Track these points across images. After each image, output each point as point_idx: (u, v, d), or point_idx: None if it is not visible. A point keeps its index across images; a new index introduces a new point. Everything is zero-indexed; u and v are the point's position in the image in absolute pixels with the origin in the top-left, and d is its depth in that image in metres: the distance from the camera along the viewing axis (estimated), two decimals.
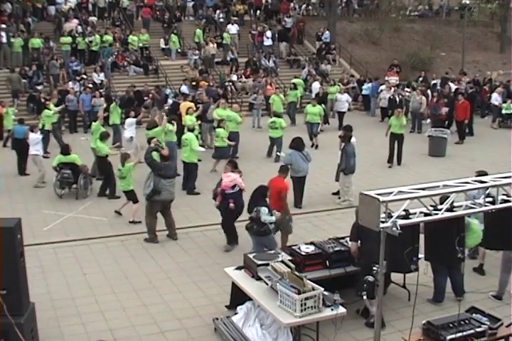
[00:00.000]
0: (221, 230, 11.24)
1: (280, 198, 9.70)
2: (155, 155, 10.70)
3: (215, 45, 25.51)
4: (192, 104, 17.24)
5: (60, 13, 26.64)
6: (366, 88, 23.29)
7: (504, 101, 20.92)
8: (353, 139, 12.76)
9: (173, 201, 10.73)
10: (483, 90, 22.74)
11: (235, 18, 28.35)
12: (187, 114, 15.83)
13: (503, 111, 20.92)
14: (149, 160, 10.49)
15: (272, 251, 7.98)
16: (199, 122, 16.31)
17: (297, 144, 12.19)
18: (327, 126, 20.03)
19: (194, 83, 21.61)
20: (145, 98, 20.39)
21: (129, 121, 15.96)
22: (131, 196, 11.72)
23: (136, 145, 15.61)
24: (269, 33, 26.63)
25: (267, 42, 26.64)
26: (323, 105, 19.64)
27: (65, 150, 13.19)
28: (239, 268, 7.86)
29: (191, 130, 14.09)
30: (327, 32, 27.67)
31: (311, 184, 14.04)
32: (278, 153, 11.76)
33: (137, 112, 17.02)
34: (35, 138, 14.14)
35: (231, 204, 10.01)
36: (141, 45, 24.78)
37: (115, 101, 17.84)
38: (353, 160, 12.30)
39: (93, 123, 14.78)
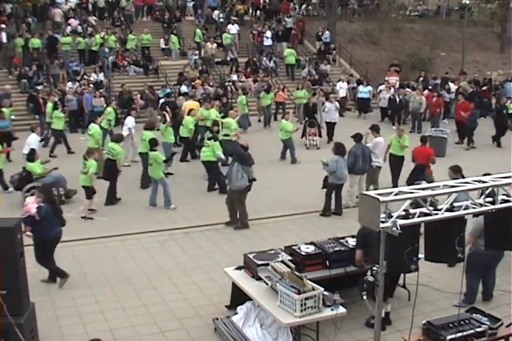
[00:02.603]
0: (222, 230, 11.30)
1: (429, 162, 12.27)
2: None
3: (215, 45, 25.57)
4: (197, 104, 17.20)
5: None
6: (366, 91, 22.45)
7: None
8: (380, 138, 12.93)
9: None
10: (484, 90, 22.72)
11: (235, 18, 28.37)
12: (188, 115, 15.81)
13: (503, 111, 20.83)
14: (242, 152, 11.22)
15: (272, 251, 7.98)
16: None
17: (340, 149, 11.86)
18: (318, 138, 18.03)
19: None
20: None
21: (129, 119, 15.97)
22: (89, 192, 11.82)
23: (131, 144, 15.60)
24: (268, 33, 26.66)
25: (267, 42, 26.67)
26: (316, 115, 18.49)
27: (30, 156, 12.71)
28: (239, 268, 7.86)
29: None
30: (327, 32, 27.67)
31: (311, 184, 14.06)
32: (323, 160, 11.83)
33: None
34: (34, 138, 14.13)
35: (27, 233, 8.61)
36: (134, 43, 24.83)
37: (110, 104, 17.66)
38: (357, 160, 12.19)
39: (91, 124, 14.81)
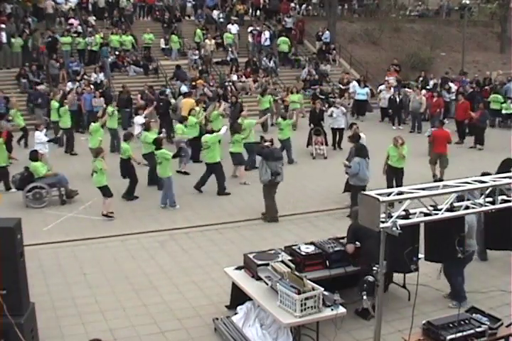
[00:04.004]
0: (222, 230, 11.30)
1: (447, 143, 14.12)
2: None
3: (213, 41, 25.66)
4: (192, 101, 17.17)
5: (60, 12, 26.68)
6: (363, 93, 21.97)
7: (504, 102, 20.86)
8: (362, 134, 13.01)
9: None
10: (485, 90, 22.70)
11: (235, 18, 28.37)
12: (189, 114, 15.78)
13: (503, 111, 20.88)
14: (265, 150, 11.55)
15: (272, 251, 7.98)
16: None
17: (363, 151, 11.71)
18: (325, 147, 16.92)
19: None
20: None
21: (138, 118, 16.03)
22: (105, 191, 11.80)
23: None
24: (267, 33, 26.65)
25: (266, 42, 26.67)
26: (322, 123, 17.39)
27: (33, 156, 12.70)
28: (239, 268, 7.86)
29: (210, 132, 13.98)
30: (327, 32, 27.66)
31: (311, 184, 14.08)
32: (345, 162, 11.86)
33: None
34: (39, 136, 14.20)
35: None
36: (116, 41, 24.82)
37: (112, 104, 17.54)
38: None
39: (92, 124, 14.84)
